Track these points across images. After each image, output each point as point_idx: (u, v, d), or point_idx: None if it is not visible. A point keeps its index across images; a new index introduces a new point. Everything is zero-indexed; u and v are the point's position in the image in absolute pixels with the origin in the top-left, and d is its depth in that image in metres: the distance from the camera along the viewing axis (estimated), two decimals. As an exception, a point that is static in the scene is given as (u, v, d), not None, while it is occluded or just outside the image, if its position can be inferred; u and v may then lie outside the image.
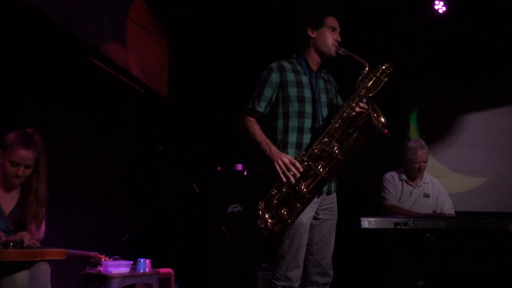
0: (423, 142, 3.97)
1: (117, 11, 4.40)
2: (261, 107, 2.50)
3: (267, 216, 2.33)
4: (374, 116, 2.35)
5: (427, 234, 3.63)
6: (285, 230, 2.35)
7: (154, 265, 3.43)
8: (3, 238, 2.47)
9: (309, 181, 2.34)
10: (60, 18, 3.44)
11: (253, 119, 2.52)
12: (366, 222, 3.24)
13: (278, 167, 2.33)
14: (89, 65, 3.96)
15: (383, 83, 2.45)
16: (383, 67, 2.47)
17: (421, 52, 4.89)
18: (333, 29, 2.57)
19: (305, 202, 2.34)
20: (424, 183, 3.96)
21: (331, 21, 2.57)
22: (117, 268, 3.14)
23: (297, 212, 2.33)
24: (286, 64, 2.56)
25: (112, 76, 4.33)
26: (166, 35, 5.37)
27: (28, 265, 2.49)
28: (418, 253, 3.58)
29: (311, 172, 2.33)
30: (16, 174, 2.58)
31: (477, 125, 4.94)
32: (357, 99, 2.42)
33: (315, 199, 2.44)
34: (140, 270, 3.28)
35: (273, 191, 2.34)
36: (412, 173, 3.92)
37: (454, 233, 3.46)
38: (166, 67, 5.50)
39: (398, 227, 3.25)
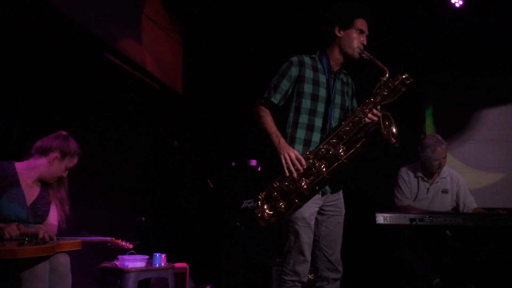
0: (440, 137, 3.82)
1: (132, 7, 4.42)
2: (276, 99, 2.50)
3: (265, 207, 2.36)
4: (385, 125, 2.35)
5: (447, 231, 3.60)
6: (280, 223, 2.37)
7: (169, 259, 3.46)
8: (18, 231, 2.49)
9: (310, 178, 2.35)
10: (76, 15, 3.47)
11: (267, 110, 2.52)
12: (381, 218, 3.23)
13: (283, 160, 2.34)
14: (105, 62, 4.00)
15: (400, 93, 2.44)
16: (403, 77, 2.44)
17: (437, 47, 4.83)
18: (361, 31, 2.55)
19: (304, 198, 2.35)
20: (441, 178, 3.81)
21: (361, 23, 2.55)
22: (133, 262, 3.18)
23: (294, 208, 2.35)
24: (307, 60, 2.56)
25: (128, 72, 4.36)
26: (180, 31, 5.38)
27: (47, 257, 2.52)
28: (434, 249, 3.55)
29: (314, 171, 2.35)
30: (62, 176, 2.82)
31: (493, 120, 4.87)
32: (371, 105, 2.42)
33: (319, 196, 2.46)
34: (155, 264, 3.32)
35: (275, 184, 2.37)
36: (432, 170, 3.77)
37: (471, 230, 3.42)
38: (180, 63, 5.51)
39: (414, 223, 3.22)
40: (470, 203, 3.78)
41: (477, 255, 3.56)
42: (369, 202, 2.68)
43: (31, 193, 2.74)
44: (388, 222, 3.23)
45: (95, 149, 3.83)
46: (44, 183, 2.80)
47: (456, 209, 3.83)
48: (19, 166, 2.72)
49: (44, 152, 2.74)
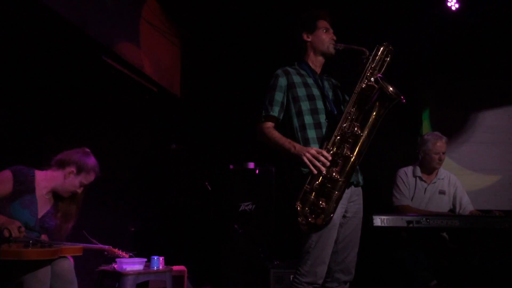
0: (440, 134, 3.90)
1: (130, 10, 4.43)
2: (275, 112, 2.54)
3: (306, 209, 2.33)
4: (386, 87, 2.37)
5: (444, 233, 3.62)
6: (328, 221, 2.33)
7: (167, 262, 3.47)
8: (19, 233, 2.49)
9: (340, 165, 2.35)
10: (74, 18, 3.48)
11: (270, 125, 2.55)
12: (379, 220, 3.24)
13: (306, 160, 2.34)
14: (103, 65, 4.00)
15: (386, 63, 2.51)
16: (382, 47, 2.53)
17: (434, 49, 4.85)
18: (327, 30, 2.66)
19: (341, 187, 2.34)
20: (439, 179, 3.85)
21: (323, 24, 2.67)
22: (131, 265, 3.18)
23: (335, 200, 2.33)
24: (290, 69, 2.64)
25: (125, 75, 4.37)
26: (178, 34, 5.39)
27: (50, 261, 2.54)
28: (431, 251, 3.56)
29: (340, 158, 2.35)
30: (76, 192, 2.82)
31: (490, 123, 4.90)
32: (365, 80, 2.46)
33: (345, 192, 2.43)
34: (153, 267, 3.32)
35: (307, 187, 2.35)
36: (431, 165, 3.80)
37: (467, 232, 3.44)
38: (178, 66, 5.53)
39: (411, 225, 3.23)
40: (467, 205, 3.80)
41: (474, 257, 3.57)
42: (366, 204, 2.68)
43: (44, 204, 2.76)
44: (385, 225, 3.24)
45: (93, 152, 3.83)
46: (57, 196, 2.81)
47: (452, 211, 3.85)
48: (38, 174, 2.74)
49: (61, 165, 2.77)
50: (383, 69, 2.50)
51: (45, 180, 2.74)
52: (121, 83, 4.35)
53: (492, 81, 4.94)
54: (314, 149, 2.37)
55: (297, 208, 2.33)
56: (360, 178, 2.58)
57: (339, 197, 2.34)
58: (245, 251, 4.49)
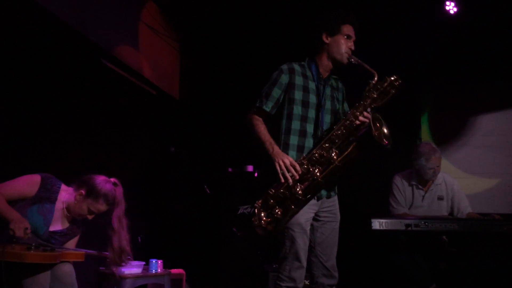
0: (433, 145, 3.82)
1: (129, 14, 4.44)
2: (268, 107, 2.55)
3: (262, 214, 2.38)
4: (376, 127, 2.38)
5: (443, 237, 3.61)
6: (278, 230, 2.38)
7: (165, 265, 3.46)
8: (23, 234, 2.47)
9: (305, 184, 2.37)
10: (74, 21, 3.49)
11: (260, 118, 2.56)
12: (377, 224, 3.24)
13: (278, 167, 2.37)
14: (102, 68, 4.01)
15: (390, 95, 2.46)
16: (391, 79, 2.47)
17: (433, 53, 4.86)
18: (349, 37, 2.59)
19: (299, 204, 2.37)
20: (436, 185, 3.80)
21: (348, 29, 2.59)
22: (130, 268, 3.18)
23: (291, 214, 2.37)
24: (296, 67, 2.60)
25: (125, 79, 4.37)
26: (177, 38, 5.40)
27: (50, 266, 2.54)
28: (430, 255, 3.56)
29: (309, 176, 2.37)
30: (86, 217, 2.74)
31: (489, 126, 4.91)
32: (361, 108, 2.44)
33: (314, 202, 2.48)
34: (152, 270, 3.32)
35: (271, 191, 2.39)
36: (426, 177, 3.76)
37: (466, 235, 3.43)
38: (177, 69, 5.53)
39: (409, 228, 3.24)
40: (465, 208, 3.78)
41: (473, 261, 3.56)
42: (365, 208, 2.69)
43: (59, 219, 2.74)
44: (384, 228, 3.24)
45: (91, 155, 3.83)
46: (74, 221, 2.80)
47: (452, 214, 3.83)
48: (63, 188, 2.74)
49: (79, 184, 2.74)
50: (385, 100, 2.46)
51: (66, 195, 2.73)
52: (120, 86, 4.35)
53: (491, 85, 4.95)
54: (289, 159, 2.38)
55: (256, 205, 2.39)
56: (333, 191, 2.60)
57: (295, 213, 2.38)
58: (243, 255, 4.49)
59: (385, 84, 2.46)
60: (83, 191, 2.70)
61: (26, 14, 3.14)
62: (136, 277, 3.18)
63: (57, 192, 2.70)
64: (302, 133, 2.51)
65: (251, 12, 4.86)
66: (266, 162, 2.46)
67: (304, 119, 2.52)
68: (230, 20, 5.02)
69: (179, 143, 5.03)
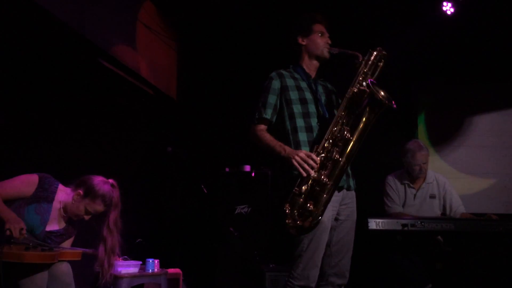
0: (421, 143, 3.86)
1: (127, 13, 4.44)
2: (268, 114, 2.57)
3: (295, 212, 2.33)
4: (377, 91, 2.38)
5: (439, 237, 3.62)
6: (316, 224, 2.33)
7: (162, 265, 3.46)
8: (19, 234, 2.47)
9: (328, 169, 2.36)
10: (71, 21, 3.49)
11: (263, 128, 2.58)
12: (374, 223, 3.24)
13: (296, 163, 2.35)
14: (99, 67, 4.01)
15: (379, 68, 2.53)
16: (375, 51, 2.54)
17: (430, 53, 4.88)
18: (322, 34, 2.67)
19: (329, 190, 2.34)
20: (427, 183, 3.82)
21: (319, 27, 2.68)
22: (126, 268, 3.18)
23: (324, 203, 2.33)
24: (284, 72, 2.67)
25: (122, 78, 4.37)
26: (175, 38, 5.40)
27: (48, 265, 2.54)
28: (426, 255, 3.57)
29: (329, 161, 2.36)
30: (83, 217, 2.74)
31: (485, 127, 4.92)
32: (357, 84, 2.48)
33: (336, 195, 2.45)
34: (148, 270, 3.32)
35: (296, 190, 2.35)
36: (413, 175, 3.80)
37: (462, 235, 3.44)
38: (175, 69, 5.53)
39: (406, 228, 3.24)
40: (457, 207, 3.79)
41: (469, 261, 3.57)
42: (361, 207, 2.70)
43: (56, 219, 2.74)
44: (381, 228, 3.24)
45: (88, 155, 3.83)
46: (70, 221, 2.80)
47: (444, 213, 3.85)
48: (60, 188, 2.74)
49: (77, 185, 2.75)
50: (376, 74, 2.52)
51: (63, 195, 2.74)
52: (117, 85, 4.35)
53: (487, 85, 4.96)
54: (303, 152, 2.38)
55: (286, 210, 2.34)
56: (352, 183, 2.59)
57: (328, 200, 2.34)
58: (240, 254, 4.49)
59: (371, 57, 2.53)
60: (81, 191, 2.70)
61: (23, 13, 3.13)
62: (132, 276, 3.18)
63: (54, 192, 2.70)
64: (309, 129, 2.52)
65: (249, 11, 4.86)
66: (282, 167, 2.45)
67: (306, 115, 2.54)
68: (227, 20, 5.02)
69: (176, 143, 5.03)
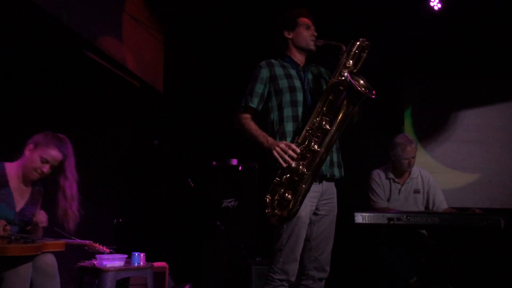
0: (410, 137, 3.89)
1: (112, 4, 4.38)
2: (254, 103, 2.58)
3: (275, 203, 2.37)
4: (356, 82, 2.38)
5: (423, 230, 3.66)
6: (294, 213, 2.36)
7: (148, 259, 3.44)
8: (3, 232, 2.46)
9: (307, 160, 2.38)
10: (55, 11, 3.43)
11: (248, 116, 2.59)
12: (360, 217, 3.26)
13: (276, 154, 2.39)
14: (84, 59, 3.95)
15: (363, 58, 2.52)
16: (358, 42, 2.55)
17: (416, 49, 4.89)
18: (307, 27, 2.69)
19: (307, 180, 2.36)
20: (412, 178, 3.84)
21: (304, 21, 2.70)
22: (112, 261, 3.15)
23: (302, 193, 2.36)
24: (273, 61, 2.68)
25: (108, 70, 4.32)
26: (162, 30, 5.36)
27: (32, 257, 2.51)
28: (410, 248, 3.60)
29: (308, 151, 2.38)
30: (41, 170, 2.68)
31: (470, 122, 4.96)
32: (338, 76, 2.48)
33: (315, 191, 2.47)
34: (134, 263, 3.30)
35: (276, 180, 2.39)
36: (401, 169, 3.81)
37: (447, 229, 3.48)
38: (161, 61, 5.49)
39: (392, 222, 3.27)
40: (440, 203, 3.81)
41: (453, 254, 3.62)
42: (347, 201, 2.71)
43: (21, 196, 2.71)
44: (367, 222, 3.26)
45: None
46: (36, 186, 2.76)
47: (427, 207, 3.88)
48: (8, 166, 2.69)
49: (26, 146, 2.71)
50: (360, 64, 2.52)
51: (16, 169, 2.70)
52: (103, 77, 4.30)
53: (474, 81, 5.01)
54: (283, 143, 2.41)
55: (266, 199, 2.39)
56: (337, 171, 2.60)
57: (306, 191, 2.38)
58: (227, 248, 4.50)
59: (353, 48, 2.53)
60: (31, 145, 2.69)
61: (6, 3, 3.07)
62: (118, 270, 3.15)
63: (4, 175, 2.66)
64: (295, 118, 2.54)
65: (235, 4, 4.83)
66: (265, 157, 2.47)
67: (294, 103, 2.55)
68: (214, 12, 4.99)
69: (162, 136, 5.00)
